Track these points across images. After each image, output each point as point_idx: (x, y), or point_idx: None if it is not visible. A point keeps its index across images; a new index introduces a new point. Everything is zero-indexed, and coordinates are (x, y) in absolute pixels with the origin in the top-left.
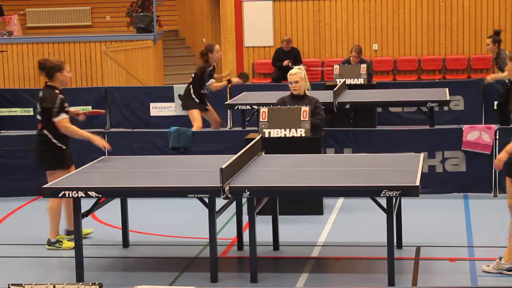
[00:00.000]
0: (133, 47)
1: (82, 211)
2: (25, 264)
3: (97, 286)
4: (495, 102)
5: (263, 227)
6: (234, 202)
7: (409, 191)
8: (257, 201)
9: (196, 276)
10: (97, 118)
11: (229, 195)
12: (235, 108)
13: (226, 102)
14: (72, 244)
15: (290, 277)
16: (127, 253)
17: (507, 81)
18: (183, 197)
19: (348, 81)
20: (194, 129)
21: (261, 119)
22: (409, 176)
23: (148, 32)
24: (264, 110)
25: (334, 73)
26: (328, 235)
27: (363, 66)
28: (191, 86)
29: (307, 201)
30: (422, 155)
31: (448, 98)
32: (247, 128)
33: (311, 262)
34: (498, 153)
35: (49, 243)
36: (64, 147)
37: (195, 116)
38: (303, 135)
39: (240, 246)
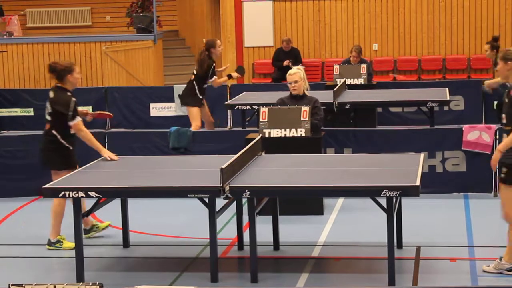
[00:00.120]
0: (133, 47)
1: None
2: (25, 264)
3: (98, 286)
4: (495, 102)
5: (264, 227)
6: (234, 202)
7: (409, 191)
8: (257, 201)
9: (197, 276)
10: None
11: (229, 195)
12: (235, 108)
13: (226, 102)
14: (72, 244)
15: (291, 277)
16: (128, 253)
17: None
18: (184, 197)
19: (348, 81)
20: (192, 128)
21: (261, 119)
22: (409, 176)
23: (148, 32)
24: (264, 110)
25: (334, 73)
26: (329, 235)
27: (363, 66)
28: (194, 82)
29: (307, 201)
30: (422, 155)
31: (448, 98)
32: (247, 128)
33: (311, 262)
34: None
35: (49, 243)
36: (71, 148)
37: (195, 115)
38: (303, 135)
39: (240, 246)
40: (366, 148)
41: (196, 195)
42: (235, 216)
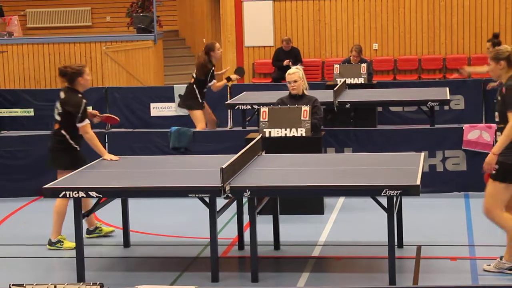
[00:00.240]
0: (133, 47)
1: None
2: (26, 264)
3: (98, 286)
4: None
5: (264, 226)
6: (235, 202)
7: (410, 190)
8: (258, 200)
9: (197, 276)
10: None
11: (230, 195)
12: (236, 108)
13: (226, 102)
14: (72, 244)
15: (291, 276)
16: (128, 253)
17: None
18: (184, 197)
19: (348, 81)
20: (198, 129)
21: (261, 119)
22: (409, 175)
23: (148, 32)
24: (264, 109)
25: (335, 72)
26: (329, 235)
27: (363, 65)
28: (195, 86)
29: (307, 200)
30: (422, 154)
31: (448, 98)
32: (248, 128)
33: (312, 261)
34: None
35: (50, 243)
36: (78, 148)
37: (199, 117)
38: (304, 134)
39: (241, 245)
40: (367, 147)
41: (196, 195)
42: (236, 216)
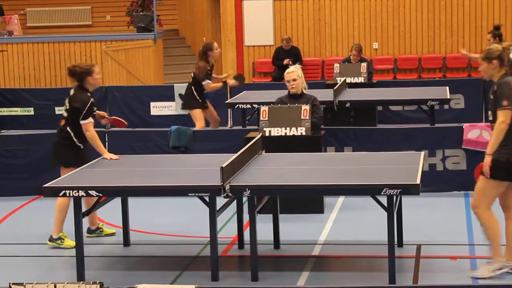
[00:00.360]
0: (133, 46)
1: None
2: (26, 263)
3: (98, 285)
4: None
5: (264, 225)
6: (235, 201)
7: (410, 189)
8: (258, 199)
9: (197, 275)
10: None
11: (230, 194)
12: (236, 107)
13: (226, 101)
14: (73, 242)
15: (291, 275)
16: (128, 252)
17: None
18: (184, 196)
19: (348, 80)
20: (197, 128)
21: (261, 118)
22: (409, 174)
23: (149, 32)
24: (264, 109)
25: (335, 71)
26: (329, 234)
27: (363, 64)
28: (192, 87)
29: (307, 199)
30: (422, 153)
31: (448, 97)
32: (248, 127)
33: (311, 260)
34: None
35: (51, 239)
36: (82, 147)
37: (198, 116)
38: (304, 133)
39: (240, 244)
40: (367, 146)
41: (196, 194)
42: (236, 215)
